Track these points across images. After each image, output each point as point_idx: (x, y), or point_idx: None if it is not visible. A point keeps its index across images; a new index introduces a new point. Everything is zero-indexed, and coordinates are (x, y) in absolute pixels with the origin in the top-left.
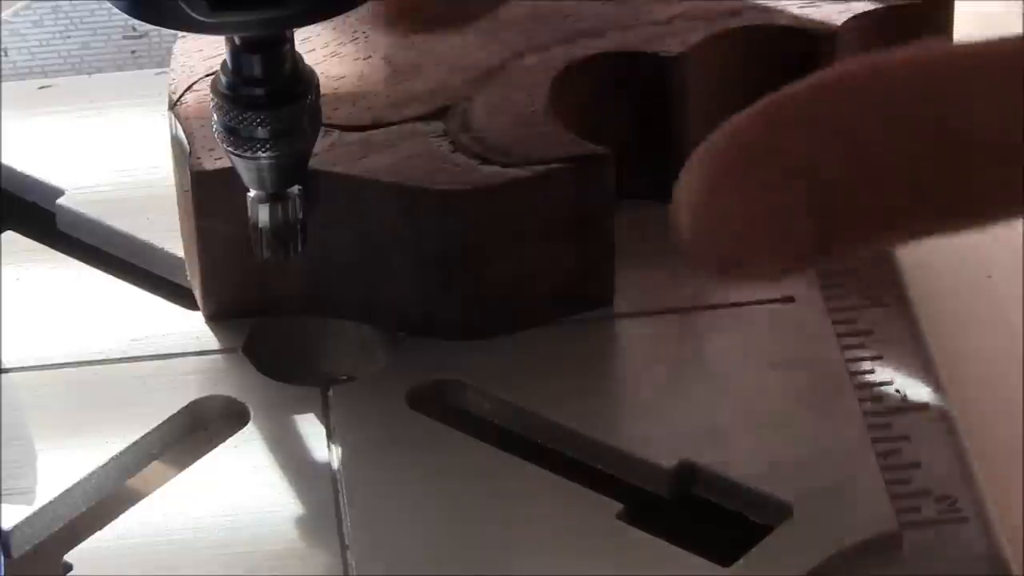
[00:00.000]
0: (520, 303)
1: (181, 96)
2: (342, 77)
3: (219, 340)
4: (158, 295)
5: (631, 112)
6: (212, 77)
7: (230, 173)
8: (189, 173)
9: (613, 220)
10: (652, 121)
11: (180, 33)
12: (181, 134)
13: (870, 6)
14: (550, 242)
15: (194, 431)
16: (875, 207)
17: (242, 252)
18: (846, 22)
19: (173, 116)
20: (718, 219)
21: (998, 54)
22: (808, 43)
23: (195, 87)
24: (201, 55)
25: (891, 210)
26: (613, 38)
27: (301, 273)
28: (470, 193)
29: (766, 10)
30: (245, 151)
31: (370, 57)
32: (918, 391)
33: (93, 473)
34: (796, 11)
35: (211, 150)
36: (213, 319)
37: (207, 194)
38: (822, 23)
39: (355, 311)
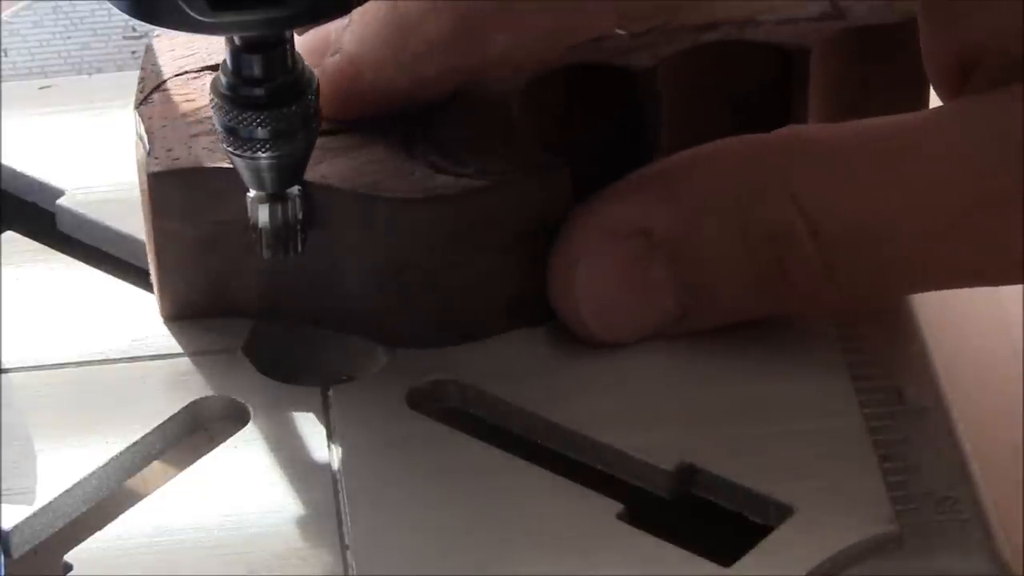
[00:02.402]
0: (475, 313)
1: (148, 96)
2: None
3: (219, 340)
4: None
5: (602, 124)
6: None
7: (187, 175)
8: (145, 173)
9: None
10: (623, 134)
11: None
12: (143, 133)
13: (846, 24)
14: (506, 253)
15: (194, 431)
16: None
17: (198, 254)
18: (821, 40)
19: (137, 115)
20: (585, 297)
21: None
22: (782, 60)
23: (163, 87)
24: (172, 55)
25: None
26: (585, 50)
27: (257, 276)
28: (422, 202)
29: (742, 25)
30: (245, 151)
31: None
32: (917, 391)
33: (93, 473)
34: (772, 27)
35: (169, 150)
36: (170, 319)
37: (163, 195)
38: (797, 40)
39: (310, 316)
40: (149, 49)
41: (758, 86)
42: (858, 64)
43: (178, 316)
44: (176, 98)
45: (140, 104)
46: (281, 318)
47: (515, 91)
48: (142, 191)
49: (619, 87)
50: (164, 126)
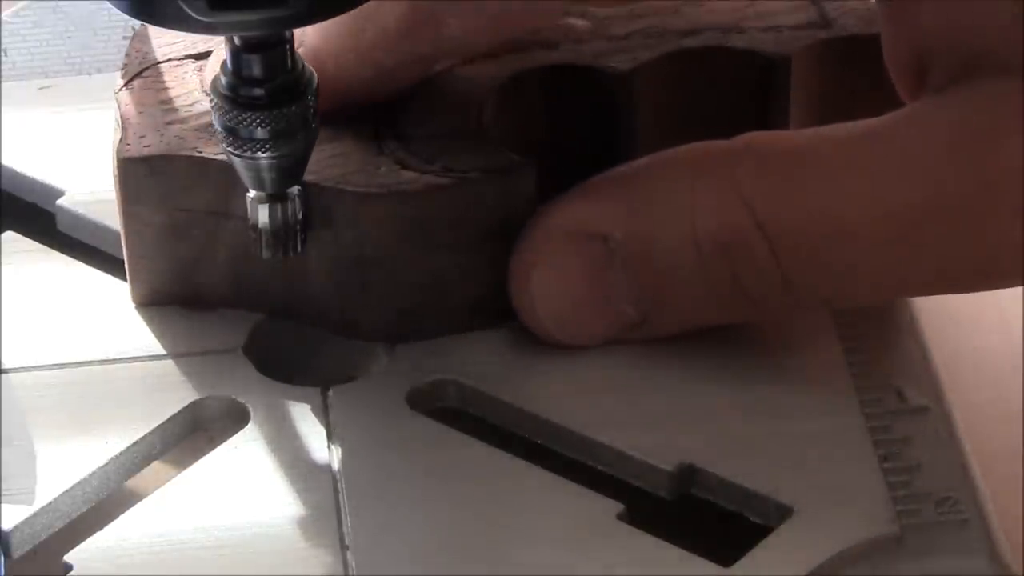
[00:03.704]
0: (436, 310)
1: (129, 81)
2: None
3: (219, 340)
4: None
5: (579, 125)
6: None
7: (156, 161)
8: (115, 158)
9: None
10: (600, 136)
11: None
12: (119, 118)
13: (833, 33)
14: (468, 251)
15: (194, 431)
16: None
17: (166, 241)
18: (802, 48)
19: (116, 100)
20: (543, 299)
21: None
22: (763, 67)
23: (144, 73)
24: (158, 42)
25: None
26: (566, 51)
27: (225, 265)
28: (384, 196)
29: (725, 32)
30: (244, 151)
31: None
32: (918, 392)
33: (93, 473)
34: (756, 34)
35: (142, 137)
36: (142, 305)
37: (132, 181)
38: (778, 48)
39: (277, 306)
40: (137, 35)
41: (738, 93)
42: (844, 73)
43: (148, 302)
44: (155, 85)
45: (120, 89)
46: (248, 307)
47: (491, 90)
48: (114, 176)
49: (598, 89)
50: (140, 112)
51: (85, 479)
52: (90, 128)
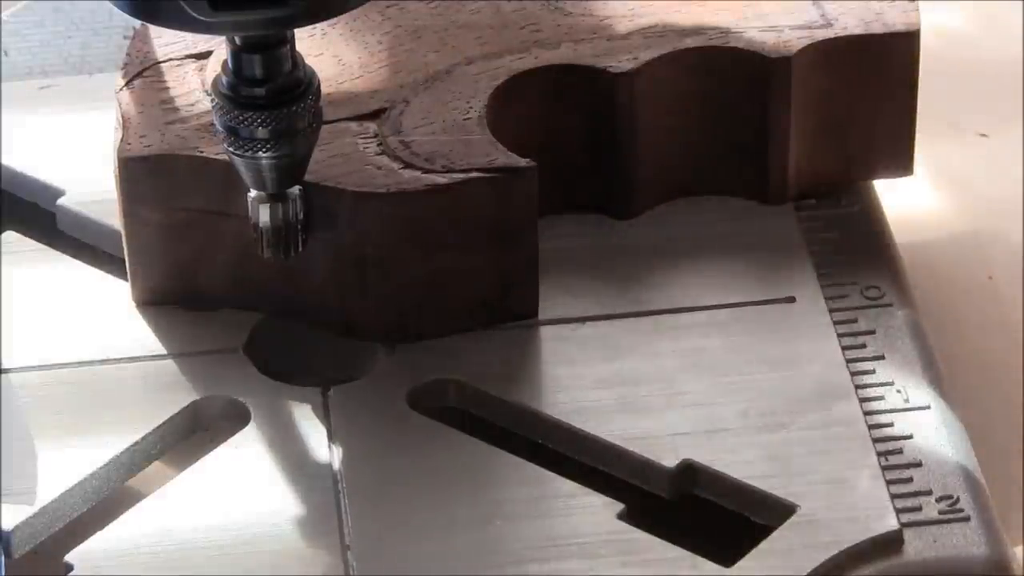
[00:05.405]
0: (436, 310)
1: (130, 81)
2: None
3: (219, 340)
4: None
5: (579, 125)
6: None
7: (157, 161)
8: (116, 158)
9: (536, 234)
10: (600, 135)
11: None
12: (119, 118)
13: (831, 34)
14: (468, 251)
15: (194, 431)
16: None
17: (167, 240)
18: (801, 49)
19: (117, 100)
20: None
21: None
22: (762, 67)
23: (145, 73)
24: (159, 42)
25: None
26: (566, 50)
27: (226, 264)
28: (384, 196)
29: (725, 31)
30: (245, 151)
31: (321, 55)
32: (919, 391)
33: (93, 473)
34: (755, 35)
35: (143, 136)
36: (142, 304)
37: (133, 180)
38: (777, 48)
39: (277, 306)
40: (137, 34)
41: (738, 93)
42: (844, 73)
43: (148, 302)
44: (155, 85)
45: (120, 89)
46: (248, 307)
47: (491, 90)
48: (115, 176)
49: (598, 89)
50: (141, 112)
51: (85, 479)
52: (90, 128)
